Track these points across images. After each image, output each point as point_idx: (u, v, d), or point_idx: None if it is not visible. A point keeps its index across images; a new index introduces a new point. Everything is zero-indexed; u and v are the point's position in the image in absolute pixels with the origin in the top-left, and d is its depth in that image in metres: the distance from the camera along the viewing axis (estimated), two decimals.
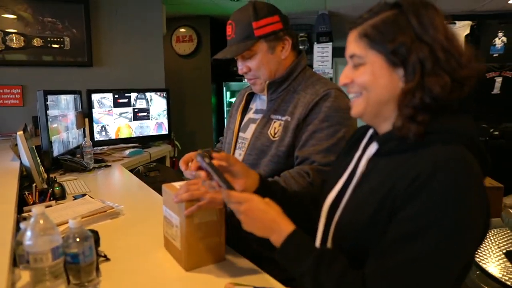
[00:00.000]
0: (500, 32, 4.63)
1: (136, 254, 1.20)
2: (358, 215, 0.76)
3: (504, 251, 1.57)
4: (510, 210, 1.77)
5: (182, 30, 4.93)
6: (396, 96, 0.76)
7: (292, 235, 0.79)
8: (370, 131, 0.89)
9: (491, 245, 1.63)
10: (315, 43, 4.83)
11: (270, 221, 0.81)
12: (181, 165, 1.25)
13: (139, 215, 1.57)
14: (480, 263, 1.49)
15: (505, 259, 1.53)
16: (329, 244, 0.83)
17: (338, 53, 7.20)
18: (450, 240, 0.65)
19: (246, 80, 1.33)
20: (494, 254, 1.56)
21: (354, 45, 0.80)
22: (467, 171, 0.67)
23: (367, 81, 0.78)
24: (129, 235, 1.36)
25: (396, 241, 0.68)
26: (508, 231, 1.73)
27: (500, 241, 1.66)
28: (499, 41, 4.42)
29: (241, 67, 1.25)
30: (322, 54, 4.79)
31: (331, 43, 4.79)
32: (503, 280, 1.40)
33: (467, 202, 0.66)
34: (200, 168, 0.95)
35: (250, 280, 1.02)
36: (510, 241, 1.67)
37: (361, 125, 1.00)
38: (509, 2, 4.22)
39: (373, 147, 0.82)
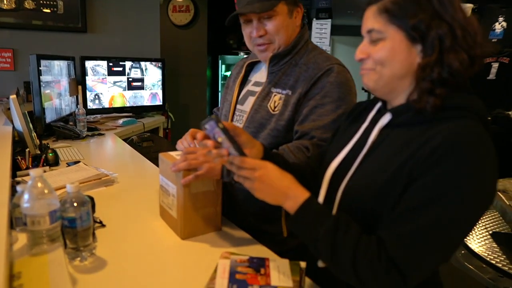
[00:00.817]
0: (501, 17, 4.59)
1: (131, 222, 1.21)
2: (372, 181, 0.78)
3: (491, 232, 1.60)
4: (500, 194, 1.81)
5: (179, 0, 4.81)
6: (412, 70, 0.77)
7: (308, 202, 0.79)
8: (378, 105, 0.90)
9: (478, 226, 1.66)
10: (314, 19, 4.76)
11: (286, 187, 0.81)
12: (188, 137, 1.24)
13: (133, 183, 1.57)
14: (466, 243, 1.53)
15: (490, 240, 1.57)
16: (334, 209, 0.84)
17: (337, 31, 7.13)
18: (466, 208, 0.69)
19: (250, 49, 1.26)
20: (480, 234, 1.60)
21: (373, 20, 0.80)
22: (486, 145, 0.70)
23: (386, 56, 0.78)
24: (124, 203, 1.36)
25: (415, 208, 0.70)
26: (496, 214, 1.76)
27: (487, 223, 1.70)
28: (499, 26, 4.39)
29: (257, 29, 1.18)
30: (320, 30, 4.73)
31: (330, 20, 4.72)
32: (487, 259, 1.44)
33: (484, 175, 0.69)
34: (206, 137, 0.94)
35: (246, 250, 1.04)
36: (497, 223, 1.71)
37: (360, 101, 1.01)
38: None
39: (386, 118, 0.82)
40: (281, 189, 0.81)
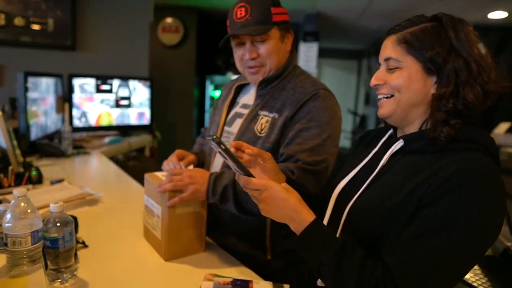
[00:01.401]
0: (479, 43, 4.75)
1: (114, 242, 1.19)
2: (379, 204, 0.79)
3: None
4: None
5: (169, 20, 4.87)
6: (427, 100, 0.81)
7: (312, 225, 0.79)
8: (390, 131, 0.94)
9: None
10: (301, 42, 4.87)
11: (291, 210, 0.80)
12: (174, 158, 1.27)
13: (118, 203, 1.56)
14: None
15: None
16: (339, 229, 0.85)
17: (323, 53, 7.29)
18: (474, 239, 0.70)
19: (241, 71, 1.29)
20: None
21: (391, 49, 0.84)
22: (496, 180, 0.72)
23: (402, 84, 0.82)
24: (107, 223, 1.35)
25: (423, 235, 0.71)
26: None
27: None
28: None
29: (249, 51, 1.21)
30: (307, 53, 4.83)
31: (317, 43, 4.83)
32: (470, 281, 1.45)
33: (494, 207, 0.72)
34: (192, 160, 0.95)
35: (230, 272, 1.03)
36: None
37: (371, 129, 1.04)
38: (489, 16, 4.36)
39: (399, 144, 0.85)
40: (286, 212, 0.80)
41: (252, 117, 1.24)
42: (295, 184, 1.09)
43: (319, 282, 0.87)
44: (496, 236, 0.73)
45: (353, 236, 0.81)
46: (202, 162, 1.41)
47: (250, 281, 0.95)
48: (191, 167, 1.29)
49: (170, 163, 1.27)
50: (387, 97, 0.85)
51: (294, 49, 1.32)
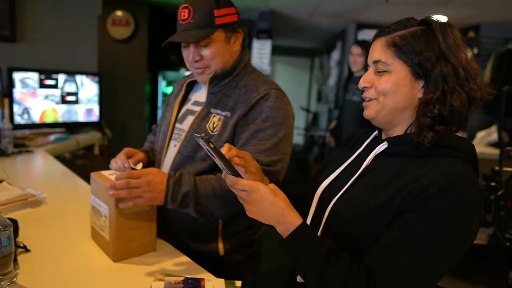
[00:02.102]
0: None
1: (59, 245, 1.14)
2: (360, 205, 0.80)
3: None
4: None
5: (119, 13, 4.69)
6: (413, 104, 0.82)
7: (299, 229, 0.78)
8: (374, 133, 0.96)
9: None
10: (255, 39, 4.89)
11: (278, 213, 0.79)
12: (122, 156, 1.23)
13: (64, 204, 1.49)
14: None
15: None
16: (320, 228, 0.86)
17: (277, 51, 7.37)
18: (452, 245, 0.73)
19: (189, 69, 1.28)
20: None
21: (380, 51, 0.83)
22: (476, 189, 0.75)
23: (389, 88, 0.82)
24: (52, 225, 1.28)
25: (404, 242, 0.73)
26: None
27: None
28: None
29: (193, 54, 1.19)
30: (260, 50, 4.86)
31: (270, 40, 4.87)
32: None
33: (472, 215, 0.74)
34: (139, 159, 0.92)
35: (181, 271, 1.02)
36: None
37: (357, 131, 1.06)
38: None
39: (382, 146, 0.86)
40: (273, 214, 0.79)
41: (204, 115, 1.23)
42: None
43: (299, 278, 0.88)
44: (471, 243, 0.76)
45: (333, 235, 0.83)
46: (152, 161, 1.38)
47: (202, 279, 0.94)
48: (140, 165, 1.25)
49: (118, 161, 1.23)
50: (372, 100, 0.86)
51: (246, 46, 1.32)
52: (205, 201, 1.11)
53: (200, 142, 0.79)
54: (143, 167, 1.28)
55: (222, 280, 0.95)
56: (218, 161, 0.81)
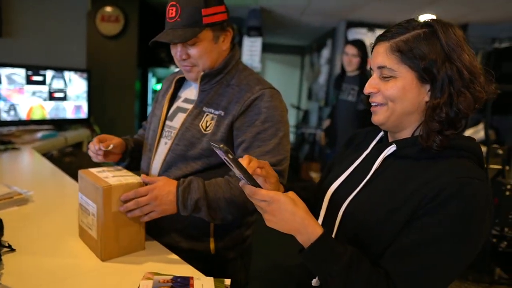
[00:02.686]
0: None
1: (46, 244, 1.12)
2: (375, 208, 0.82)
3: None
4: None
5: (108, 9, 4.63)
6: (421, 108, 0.83)
7: (321, 239, 0.77)
8: (380, 134, 0.96)
9: None
10: (245, 36, 4.88)
11: (298, 224, 0.78)
12: (95, 140, 1.26)
13: (51, 202, 1.46)
14: None
15: None
16: (334, 231, 0.87)
17: (267, 48, 7.35)
18: (467, 247, 0.75)
19: (178, 66, 1.27)
20: None
21: (385, 57, 0.83)
22: (487, 190, 0.76)
23: (396, 94, 0.82)
24: (38, 224, 1.26)
25: (422, 245, 0.75)
26: None
27: None
28: None
29: (180, 53, 1.19)
30: (251, 48, 4.85)
31: (260, 38, 4.86)
32: None
33: (484, 217, 0.75)
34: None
35: (170, 270, 1.01)
36: None
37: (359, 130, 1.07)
38: (420, 18, 4.64)
39: (391, 149, 0.87)
40: (294, 225, 0.78)
41: (197, 114, 1.23)
42: None
43: (314, 282, 0.89)
44: (483, 243, 0.78)
45: (347, 238, 0.84)
46: (131, 148, 1.38)
47: (191, 278, 0.94)
48: (110, 147, 1.27)
49: (91, 145, 1.27)
50: (380, 105, 0.86)
51: (236, 44, 1.31)
52: (216, 205, 1.12)
53: (217, 152, 0.79)
54: (126, 154, 1.36)
55: (211, 279, 0.95)
56: (236, 171, 0.80)
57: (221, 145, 0.77)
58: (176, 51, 1.20)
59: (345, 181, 0.93)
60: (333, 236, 0.87)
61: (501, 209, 2.39)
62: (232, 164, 0.79)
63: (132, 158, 1.39)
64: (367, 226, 0.82)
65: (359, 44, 3.31)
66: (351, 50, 3.32)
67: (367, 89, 0.87)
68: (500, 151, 2.56)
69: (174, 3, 1.15)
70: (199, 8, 1.14)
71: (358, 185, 0.88)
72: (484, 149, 2.66)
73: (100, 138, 1.28)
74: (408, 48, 0.80)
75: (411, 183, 0.79)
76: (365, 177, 0.88)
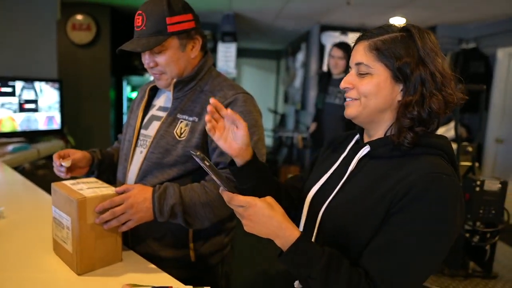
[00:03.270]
0: None
1: (19, 260, 1.09)
2: (351, 208, 0.84)
3: None
4: None
5: (79, 17, 4.57)
6: (393, 107, 0.86)
7: (298, 242, 0.78)
8: (356, 136, 0.99)
9: None
10: (220, 42, 4.89)
11: (276, 227, 0.79)
12: (54, 157, 1.23)
13: (24, 217, 1.43)
14: None
15: None
16: (314, 232, 0.89)
17: (242, 53, 7.38)
18: (440, 242, 0.77)
19: (150, 74, 1.27)
20: None
21: (363, 54, 0.87)
22: (456, 185, 0.79)
23: (371, 90, 0.86)
24: (11, 240, 1.23)
25: (397, 242, 0.77)
26: None
27: None
28: None
29: (148, 61, 1.19)
30: (226, 53, 4.86)
31: (235, 43, 4.88)
32: None
33: (454, 212, 0.77)
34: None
35: (149, 280, 1.00)
36: None
37: (339, 134, 1.10)
38: (390, 21, 4.76)
39: (365, 150, 0.90)
40: (271, 229, 0.79)
41: (171, 121, 1.22)
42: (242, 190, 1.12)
43: (296, 284, 0.90)
44: (456, 237, 0.81)
45: (327, 239, 0.86)
46: (98, 161, 1.36)
47: (170, 287, 0.93)
48: (68, 162, 1.23)
49: (54, 162, 1.24)
50: (354, 100, 0.89)
51: (209, 51, 1.32)
52: (192, 211, 1.12)
53: (196, 160, 0.82)
54: (94, 168, 1.34)
55: (190, 287, 0.94)
56: (214, 177, 0.82)
57: (198, 153, 0.79)
58: (145, 59, 1.21)
59: (324, 184, 0.95)
60: (313, 240, 0.88)
61: (472, 204, 2.47)
62: (209, 171, 0.81)
63: (101, 171, 1.37)
64: (344, 229, 0.84)
65: (345, 47, 3.35)
66: (337, 52, 3.35)
67: (343, 84, 0.90)
68: (470, 149, 2.64)
69: (140, 12, 1.17)
70: (164, 16, 1.15)
71: (335, 188, 0.90)
72: (454, 146, 2.75)
73: (60, 154, 1.25)
74: (386, 47, 0.84)
75: (385, 182, 0.82)
76: (342, 179, 0.90)
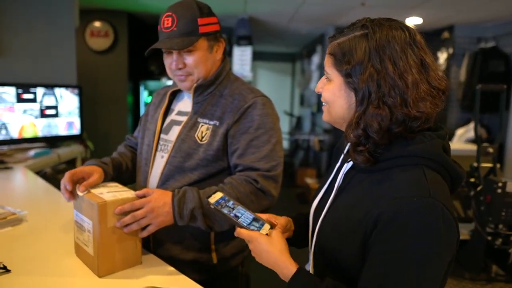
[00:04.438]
0: None
1: (41, 263, 1.12)
2: (336, 230, 0.80)
3: None
4: None
5: (97, 24, 4.66)
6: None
7: (295, 276, 0.79)
8: (348, 145, 0.88)
9: None
10: (235, 46, 4.92)
11: (273, 262, 0.82)
12: (67, 182, 1.10)
13: (46, 221, 1.46)
14: None
15: None
16: (311, 251, 0.89)
17: (258, 56, 7.40)
18: (429, 266, 0.68)
19: (171, 77, 1.28)
20: None
21: (327, 58, 0.81)
22: (431, 205, 0.68)
23: (328, 97, 0.81)
24: (33, 243, 1.26)
25: (378, 277, 0.69)
26: None
27: None
28: None
29: (176, 62, 1.20)
30: (241, 57, 4.88)
31: (250, 47, 4.90)
32: None
33: (433, 237, 0.67)
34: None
35: (169, 283, 1.01)
36: None
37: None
38: (406, 21, 4.71)
39: (349, 164, 0.85)
40: (270, 262, 0.83)
41: (192, 125, 1.24)
42: (261, 192, 1.15)
43: None
44: (450, 254, 0.72)
45: (322, 258, 0.85)
46: (111, 176, 1.29)
47: None
48: (85, 192, 1.10)
49: (63, 184, 1.12)
50: (325, 105, 0.84)
51: (227, 55, 1.34)
52: (211, 214, 1.13)
53: (213, 206, 0.89)
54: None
55: None
56: (226, 215, 0.89)
57: (205, 199, 0.87)
58: (172, 61, 1.22)
59: (323, 196, 0.91)
60: (311, 255, 0.89)
61: (494, 206, 2.41)
62: (219, 211, 0.88)
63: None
64: (334, 247, 0.80)
65: None
66: None
67: (316, 89, 0.86)
68: (491, 150, 2.58)
69: (170, 13, 1.18)
70: (196, 17, 1.17)
71: (327, 203, 0.86)
72: (474, 147, 2.69)
73: (73, 175, 1.13)
74: (339, 51, 0.77)
75: (365, 201, 0.75)
76: (332, 193, 0.86)
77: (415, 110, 0.71)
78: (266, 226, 0.87)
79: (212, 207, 0.85)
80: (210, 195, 0.90)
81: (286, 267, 0.81)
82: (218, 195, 0.88)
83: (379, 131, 0.72)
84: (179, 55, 1.20)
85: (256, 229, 0.86)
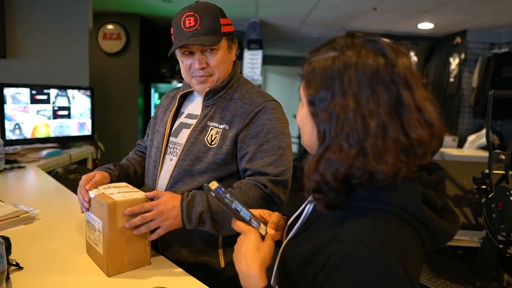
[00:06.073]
0: (412, 51, 5.14)
1: (53, 262, 1.13)
2: (294, 257, 0.74)
3: None
4: None
5: (110, 27, 4.72)
6: None
7: None
8: None
9: None
10: (246, 49, 4.93)
11: (246, 265, 0.74)
12: (83, 191, 1.15)
13: (57, 219, 1.48)
14: None
15: None
16: (273, 276, 0.81)
17: (268, 60, 7.41)
18: None
19: (186, 79, 1.27)
20: None
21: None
22: (381, 259, 0.59)
23: (298, 122, 0.72)
24: (45, 241, 1.27)
25: None
26: None
27: None
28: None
29: (200, 61, 1.20)
30: (252, 61, 4.90)
31: (261, 51, 4.91)
32: None
33: (379, 284, 0.58)
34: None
35: (177, 284, 1.02)
36: None
37: None
38: (418, 26, 4.69)
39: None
40: (243, 263, 0.75)
41: (202, 128, 1.24)
42: (270, 197, 1.13)
43: None
44: None
45: (283, 278, 0.78)
46: (116, 178, 1.31)
47: None
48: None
49: (80, 195, 1.17)
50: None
51: (237, 59, 1.34)
52: (220, 218, 1.13)
53: (211, 193, 0.83)
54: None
55: None
56: (225, 207, 0.85)
57: (205, 184, 0.80)
58: (194, 61, 1.21)
59: (298, 215, 0.83)
60: (275, 269, 0.81)
61: (506, 214, 2.38)
62: (222, 201, 0.83)
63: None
64: (292, 274, 0.74)
65: None
66: None
67: None
68: (503, 157, 2.55)
69: (192, 13, 1.18)
70: (218, 17, 1.20)
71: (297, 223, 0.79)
72: (486, 154, 2.66)
73: (87, 178, 1.18)
74: (307, 73, 0.66)
75: (324, 236, 0.67)
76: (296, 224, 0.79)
77: (375, 163, 0.59)
78: (263, 227, 0.86)
79: (213, 194, 0.81)
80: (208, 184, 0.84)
81: (254, 276, 0.72)
82: (215, 184, 0.82)
83: (334, 181, 0.62)
84: (202, 55, 1.20)
85: (255, 226, 0.83)
